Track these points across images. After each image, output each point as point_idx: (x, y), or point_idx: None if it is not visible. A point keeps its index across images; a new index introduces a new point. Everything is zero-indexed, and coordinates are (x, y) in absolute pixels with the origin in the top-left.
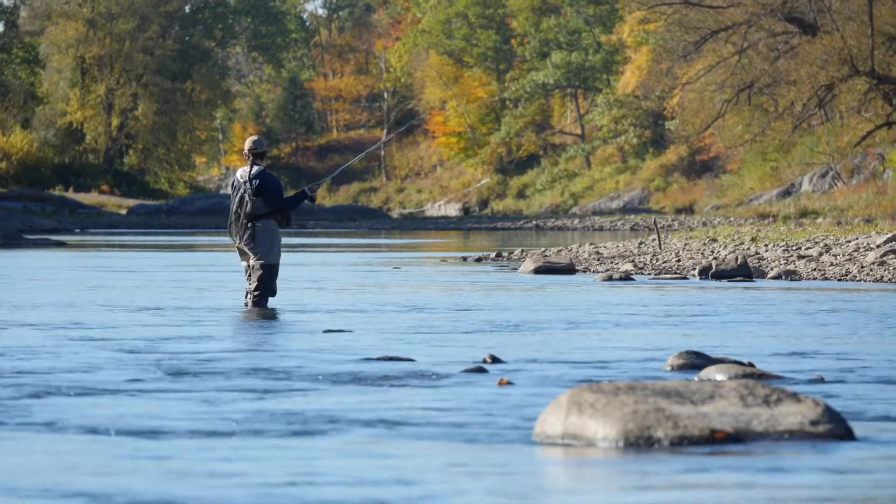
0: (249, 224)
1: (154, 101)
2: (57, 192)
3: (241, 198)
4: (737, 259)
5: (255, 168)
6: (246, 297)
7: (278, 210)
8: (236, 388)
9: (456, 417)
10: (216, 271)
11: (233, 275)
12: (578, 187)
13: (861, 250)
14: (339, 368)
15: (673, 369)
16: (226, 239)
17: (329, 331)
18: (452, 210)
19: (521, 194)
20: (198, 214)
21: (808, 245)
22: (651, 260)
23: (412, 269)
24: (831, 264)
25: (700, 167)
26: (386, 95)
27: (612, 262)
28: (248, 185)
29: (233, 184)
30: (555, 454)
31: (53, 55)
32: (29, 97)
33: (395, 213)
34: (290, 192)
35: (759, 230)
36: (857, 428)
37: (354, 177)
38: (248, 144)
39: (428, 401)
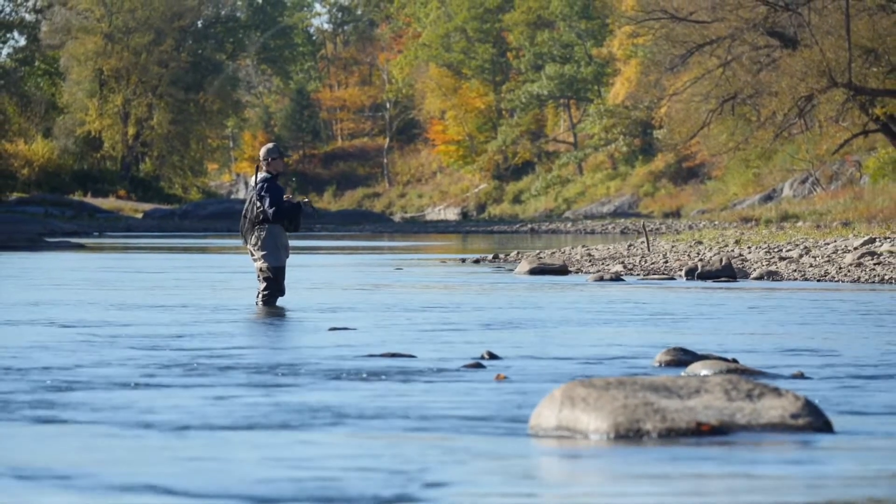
0: (256, 228)
1: (168, 110)
2: (76, 197)
3: (250, 202)
4: (721, 261)
5: (262, 175)
6: (257, 296)
7: (280, 216)
8: (246, 382)
9: (455, 410)
10: (227, 272)
11: (243, 275)
12: (571, 193)
13: (839, 252)
14: (344, 364)
15: (661, 365)
16: (236, 241)
17: (334, 328)
18: (451, 214)
19: (516, 199)
20: (210, 218)
21: (789, 247)
22: (640, 261)
23: (414, 269)
24: (811, 266)
25: (686, 174)
26: (388, 105)
27: (603, 264)
28: (254, 190)
29: None
30: (549, 446)
31: (73, 67)
32: (50, 107)
33: (397, 217)
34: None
35: (743, 233)
36: (836, 421)
37: (359, 182)
38: (261, 152)
39: (428, 395)
